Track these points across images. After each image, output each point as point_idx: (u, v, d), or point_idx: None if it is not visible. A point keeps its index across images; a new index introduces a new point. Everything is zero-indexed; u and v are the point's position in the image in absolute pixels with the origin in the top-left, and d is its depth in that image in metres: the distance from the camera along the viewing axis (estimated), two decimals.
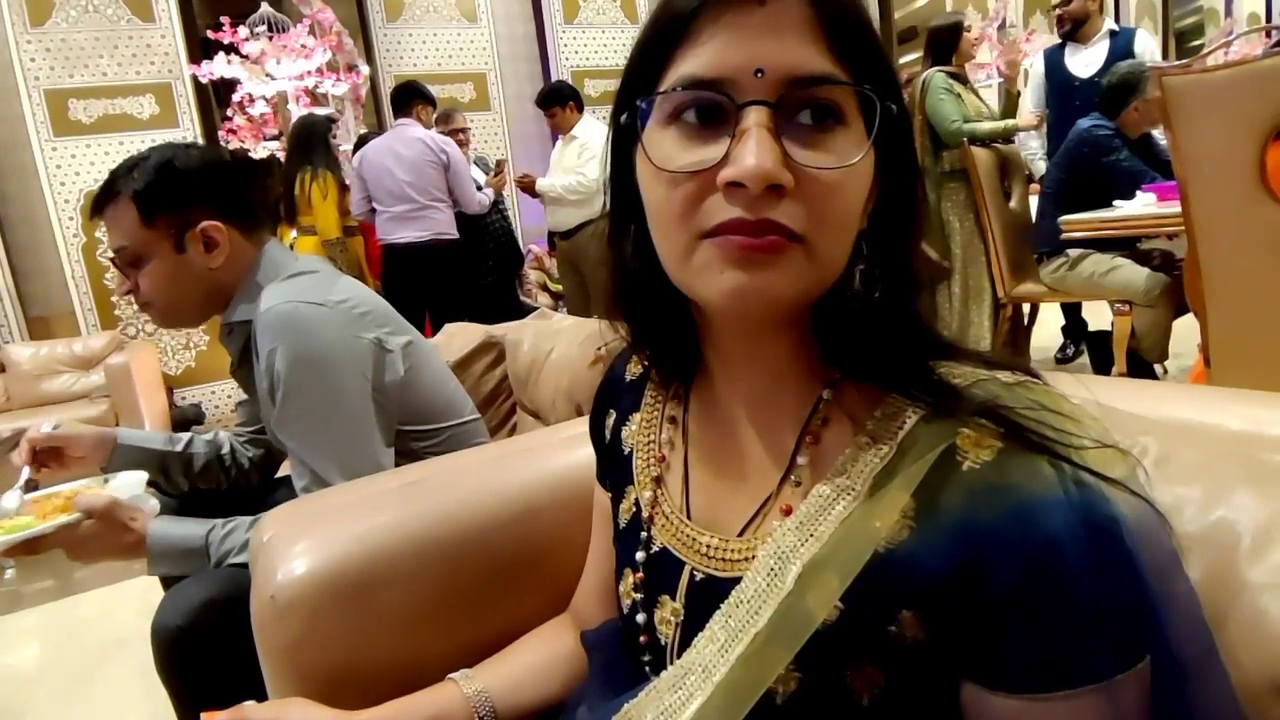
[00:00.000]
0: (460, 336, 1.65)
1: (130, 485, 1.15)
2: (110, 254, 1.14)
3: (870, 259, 0.46)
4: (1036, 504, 0.39)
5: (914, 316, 0.48)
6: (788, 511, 0.47)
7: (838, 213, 0.43)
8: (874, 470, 0.44)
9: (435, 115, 4.16)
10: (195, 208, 1.10)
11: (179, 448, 1.35)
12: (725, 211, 0.42)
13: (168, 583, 1.24)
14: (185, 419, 4.14)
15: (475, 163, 4.18)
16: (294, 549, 0.75)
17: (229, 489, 1.39)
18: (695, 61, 0.43)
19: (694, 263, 0.44)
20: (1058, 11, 3.36)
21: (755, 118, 0.41)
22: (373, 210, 3.51)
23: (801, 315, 0.47)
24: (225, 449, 1.39)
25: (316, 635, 0.71)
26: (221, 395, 4.39)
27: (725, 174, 0.41)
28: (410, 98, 3.59)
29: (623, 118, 0.47)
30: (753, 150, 0.40)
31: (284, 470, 1.42)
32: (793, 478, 0.48)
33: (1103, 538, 0.39)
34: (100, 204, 1.11)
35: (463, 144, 4.09)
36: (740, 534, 0.50)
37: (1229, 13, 8.90)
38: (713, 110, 0.43)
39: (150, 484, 1.31)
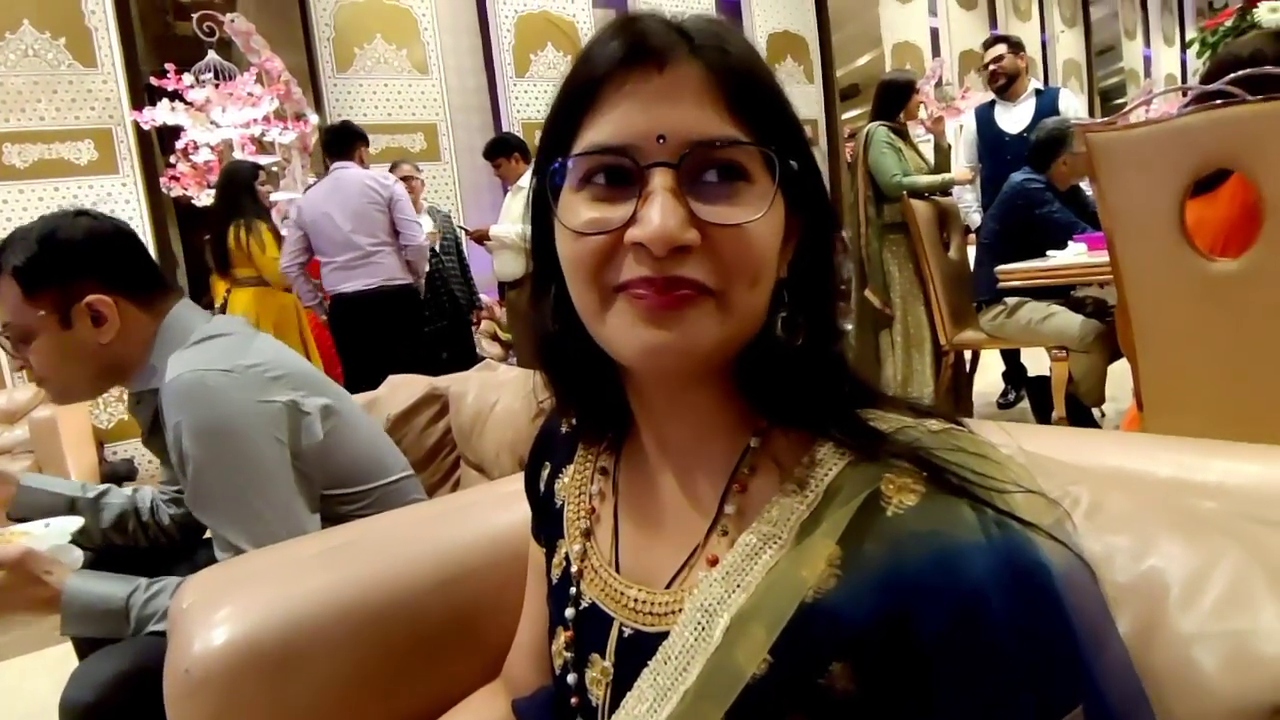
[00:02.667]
0: (403, 389, 1.62)
1: (55, 534, 1.08)
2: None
3: (791, 306, 0.47)
4: (959, 551, 0.39)
5: (838, 363, 0.48)
6: (714, 562, 0.46)
7: (748, 264, 0.43)
8: (800, 518, 0.44)
9: (389, 167, 4.15)
10: (79, 281, 1.05)
11: (91, 494, 1.28)
12: (634, 270, 0.43)
13: (82, 651, 1.17)
14: (116, 475, 3.95)
15: (428, 212, 4.18)
16: (213, 617, 0.71)
17: (152, 546, 1.33)
18: (601, 129, 0.44)
19: (609, 318, 0.44)
20: (992, 67, 3.51)
21: (660, 180, 0.42)
22: (302, 265, 3.40)
23: (725, 365, 0.47)
24: (145, 504, 1.33)
25: (234, 713, 0.67)
26: None
27: (631, 234, 0.42)
28: (352, 139, 3.48)
29: (537, 182, 0.48)
30: (657, 212, 0.41)
31: None
32: (720, 527, 0.48)
33: (1028, 583, 0.39)
34: None
35: (414, 191, 4.09)
36: (668, 586, 0.49)
37: (1148, 73, 9.48)
38: (620, 173, 0.44)
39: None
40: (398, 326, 3.45)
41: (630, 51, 0.44)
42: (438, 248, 4.05)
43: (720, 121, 0.43)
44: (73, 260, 1.06)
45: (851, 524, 0.42)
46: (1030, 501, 0.42)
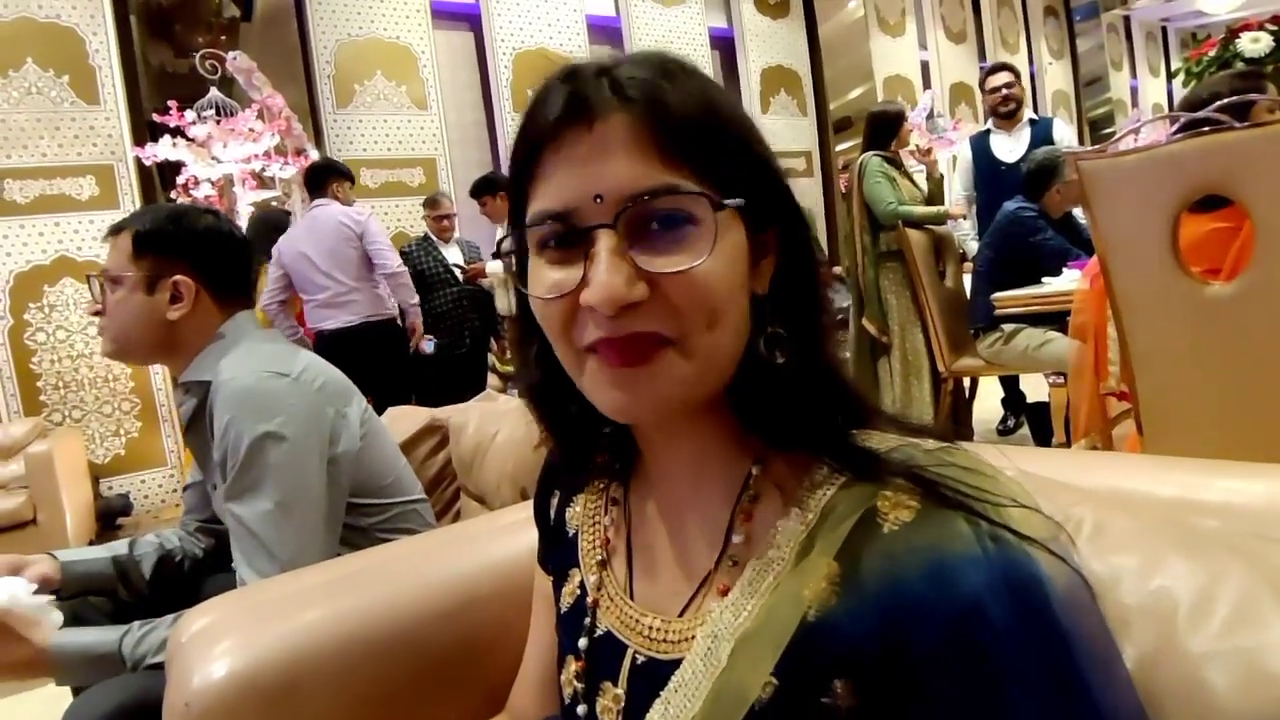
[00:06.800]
0: (403, 420, 1.61)
1: (27, 592, 1.04)
2: (96, 273, 1.20)
3: (774, 320, 0.47)
4: (954, 563, 0.39)
5: (830, 380, 0.48)
6: (725, 591, 0.47)
7: (704, 305, 0.43)
8: (799, 539, 0.44)
9: (424, 200, 4.21)
10: (177, 259, 1.17)
11: (122, 552, 1.27)
12: (593, 332, 0.44)
13: (79, 691, 1.15)
14: (111, 510, 3.92)
15: (455, 242, 4.22)
16: (214, 650, 0.70)
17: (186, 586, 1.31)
18: (544, 196, 0.45)
19: (585, 377, 0.46)
20: (1004, 92, 3.55)
21: (602, 242, 0.43)
22: (282, 303, 3.46)
23: (718, 396, 0.47)
24: (173, 545, 1.32)
25: None
26: (152, 485, 4.18)
27: (583, 298, 0.43)
28: (326, 176, 3.54)
29: (504, 246, 0.50)
30: (600, 275, 0.42)
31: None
32: (729, 556, 0.48)
33: (1025, 596, 0.39)
34: (114, 229, 1.20)
35: (448, 229, 4.13)
36: (681, 614, 0.49)
37: (1135, 103, 9.63)
38: (567, 235, 0.44)
39: (105, 594, 1.24)
40: (381, 360, 3.48)
41: (564, 110, 0.44)
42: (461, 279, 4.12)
43: (653, 170, 0.43)
44: (181, 242, 1.18)
45: (849, 540, 0.42)
46: (1025, 516, 0.42)
